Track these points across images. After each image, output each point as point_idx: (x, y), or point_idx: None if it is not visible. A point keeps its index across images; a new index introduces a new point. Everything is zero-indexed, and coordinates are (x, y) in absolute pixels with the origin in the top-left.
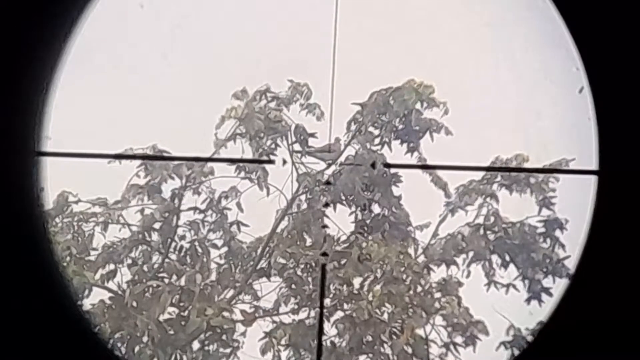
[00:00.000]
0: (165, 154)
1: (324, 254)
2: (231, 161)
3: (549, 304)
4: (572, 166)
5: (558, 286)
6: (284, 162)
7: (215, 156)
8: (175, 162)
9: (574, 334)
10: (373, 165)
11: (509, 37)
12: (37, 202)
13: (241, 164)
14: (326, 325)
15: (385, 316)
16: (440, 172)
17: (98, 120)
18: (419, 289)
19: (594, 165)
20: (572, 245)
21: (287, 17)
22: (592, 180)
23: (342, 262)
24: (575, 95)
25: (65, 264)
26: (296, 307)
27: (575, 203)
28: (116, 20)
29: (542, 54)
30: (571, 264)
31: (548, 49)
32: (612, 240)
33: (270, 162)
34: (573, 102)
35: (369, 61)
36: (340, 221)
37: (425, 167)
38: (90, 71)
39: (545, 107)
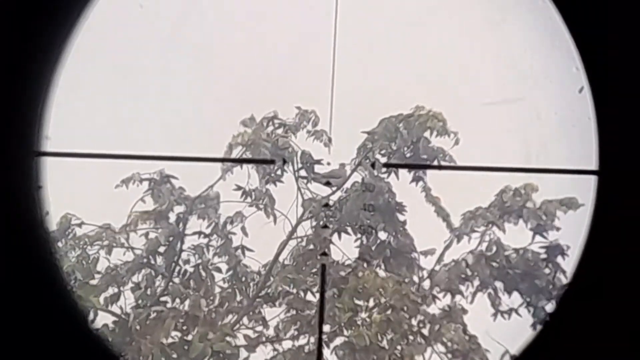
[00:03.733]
0: (172, 178)
1: (324, 254)
2: (239, 161)
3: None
4: (572, 166)
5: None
6: (284, 162)
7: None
8: (181, 189)
9: (575, 331)
10: (373, 166)
11: (508, 37)
12: (38, 204)
13: (247, 190)
14: (326, 352)
15: (385, 343)
16: (443, 201)
17: (98, 121)
18: (419, 317)
19: (594, 165)
20: (571, 246)
21: (288, 19)
22: (592, 180)
23: (341, 289)
24: (575, 95)
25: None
26: (296, 333)
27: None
28: (116, 20)
29: (542, 54)
30: (570, 267)
31: (548, 49)
32: (612, 241)
33: (271, 162)
34: (573, 102)
35: (367, 63)
36: (346, 247)
37: (424, 167)
38: (90, 71)
39: (545, 107)
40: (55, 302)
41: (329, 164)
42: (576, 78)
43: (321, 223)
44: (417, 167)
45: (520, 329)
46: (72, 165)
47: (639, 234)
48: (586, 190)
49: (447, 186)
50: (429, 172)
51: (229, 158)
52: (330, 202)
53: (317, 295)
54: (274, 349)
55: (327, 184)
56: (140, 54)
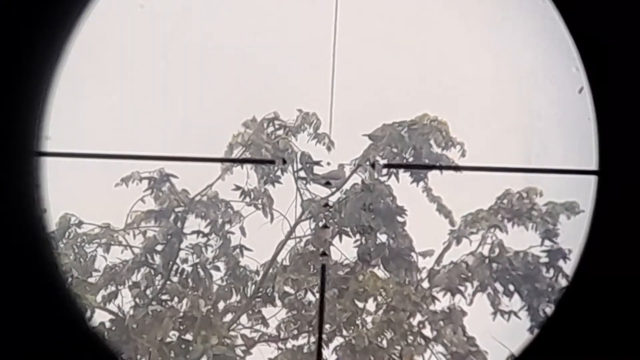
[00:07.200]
0: (172, 177)
1: (324, 254)
2: (239, 161)
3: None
4: (572, 166)
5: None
6: (284, 161)
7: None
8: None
9: (575, 331)
10: (373, 166)
11: (509, 37)
12: (37, 204)
13: (246, 190)
14: (325, 352)
15: (385, 343)
16: (445, 200)
17: (98, 121)
18: (419, 317)
19: (594, 165)
20: (571, 246)
21: (287, 16)
22: (592, 180)
23: (342, 290)
24: (575, 95)
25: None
26: (296, 332)
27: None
28: (116, 20)
29: (542, 54)
30: (571, 266)
31: (548, 49)
32: (612, 240)
33: (272, 162)
34: (573, 102)
35: (367, 64)
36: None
37: (423, 167)
38: (90, 71)
39: (545, 107)
40: (53, 301)
41: (328, 164)
42: (576, 78)
43: (321, 224)
44: (416, 167)
45: (519, 331)
46: (72, 165)
47: (639, 234)
48: (586, 190)
49: (447, 187)
50: (429, 174)
51: (228, 158)
52: (330, 203)
53: (317, 295)
54: (278, 348)
55: (327, 184)
56: (140, 54)
